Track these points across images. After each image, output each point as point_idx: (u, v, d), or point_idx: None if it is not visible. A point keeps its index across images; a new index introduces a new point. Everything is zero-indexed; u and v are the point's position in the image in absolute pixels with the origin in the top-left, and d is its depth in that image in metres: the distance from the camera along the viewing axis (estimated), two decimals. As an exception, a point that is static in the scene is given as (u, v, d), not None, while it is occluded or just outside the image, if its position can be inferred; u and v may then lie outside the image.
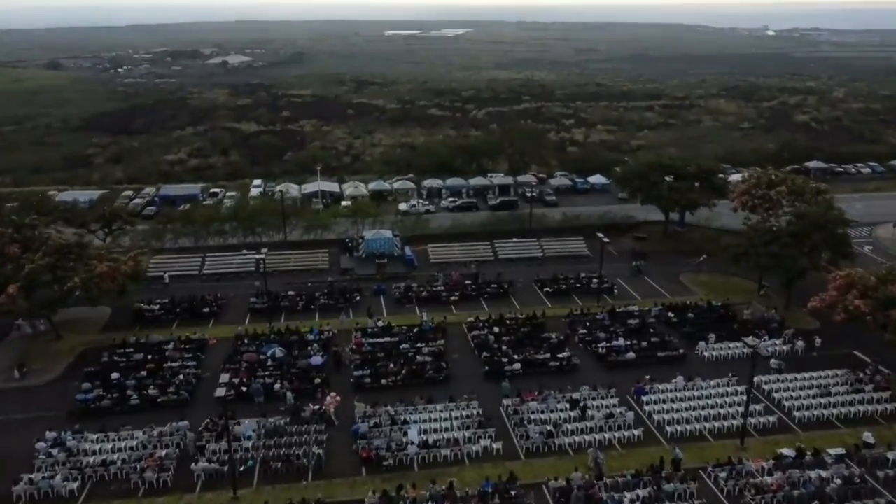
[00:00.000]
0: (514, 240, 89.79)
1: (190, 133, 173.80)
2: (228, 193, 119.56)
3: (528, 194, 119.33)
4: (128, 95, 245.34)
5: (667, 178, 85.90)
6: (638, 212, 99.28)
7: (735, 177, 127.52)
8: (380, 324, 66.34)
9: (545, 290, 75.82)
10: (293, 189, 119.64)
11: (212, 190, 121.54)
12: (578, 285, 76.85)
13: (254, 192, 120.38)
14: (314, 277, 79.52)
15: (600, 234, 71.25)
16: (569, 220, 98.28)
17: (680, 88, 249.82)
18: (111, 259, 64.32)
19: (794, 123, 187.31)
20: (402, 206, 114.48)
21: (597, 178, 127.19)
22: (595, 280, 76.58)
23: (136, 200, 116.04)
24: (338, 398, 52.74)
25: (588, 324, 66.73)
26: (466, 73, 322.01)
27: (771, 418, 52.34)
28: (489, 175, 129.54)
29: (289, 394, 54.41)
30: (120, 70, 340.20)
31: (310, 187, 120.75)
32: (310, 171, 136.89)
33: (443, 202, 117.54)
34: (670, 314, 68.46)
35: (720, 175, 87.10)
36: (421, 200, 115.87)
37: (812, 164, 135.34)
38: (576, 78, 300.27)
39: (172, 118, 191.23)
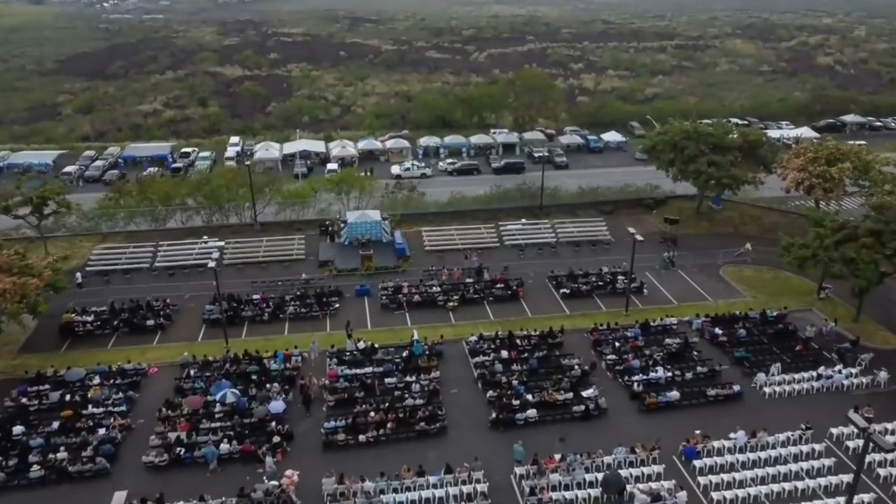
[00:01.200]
0: (523, 221, 74.95)
1: (169, 78, 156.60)
2: (201, 154, 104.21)
3: (536, 155, 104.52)
4: (110, 34, 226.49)
5: (703, 149, 70.98)
6: (662, 180, 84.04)
7: (773, 133, 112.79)
8: (360, 345, 52.29)
9: (562, 290, 61.52)
10: (273, 149, 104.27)
11: (183, 150, 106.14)
12: (601, 283, 62.62)
13: (230, 151, 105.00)
14: (287, 273, 65.11)
15: (632, 230, 56.40)
16: (584, 193, 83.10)
17: (692, 27, 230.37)
18: (20, 268, 49.57)
19: (818, 67, 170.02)
20: (395, 170, 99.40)
21: (611, 136, 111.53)
22: (622, 278, 62.55)
23: (98, 163, 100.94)
24: (295, 478, 39.08)
25: (617, 344, 52.71)
26: (467, 7, 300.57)
27: (865, 498, 38.87)
28: (492, 131, 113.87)
29: (269, 458, 41.03)
30: (106, 5, 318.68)
31: (292, 146, 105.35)
32: (294, 124, 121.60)
33: (440, 164, 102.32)
34: (717, 331, 54.30)
35: (766, 145, 71.28)
36: (416, 163, 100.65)
37: (848, 118, 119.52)
38: (581, 14, 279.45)
39: (153, 61, 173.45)
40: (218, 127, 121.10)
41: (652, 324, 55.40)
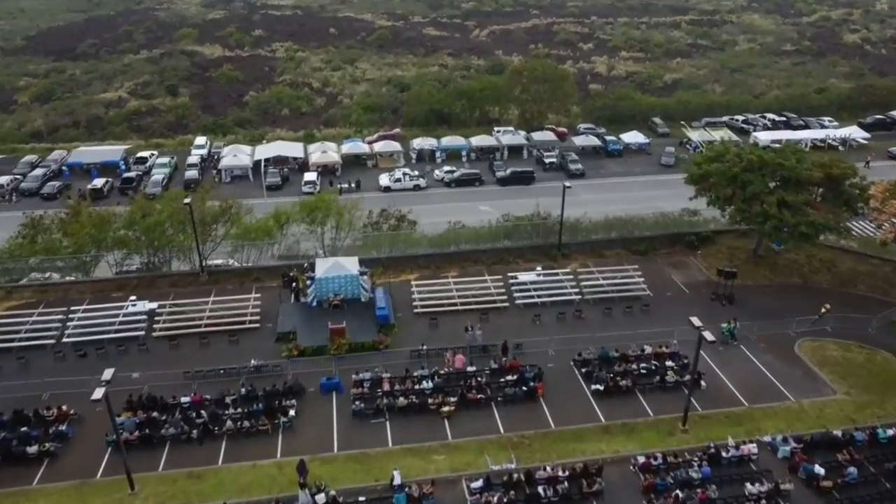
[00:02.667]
0: (538, 270, 57.52)
1: (143, 58, 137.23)
2: (159, 160, 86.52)
3: (547, 161, 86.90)
4: (91, 5, 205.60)
5: (770, 183, 53.52)
6: (701, 204, 66.55)
7: (816, 133, 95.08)
8: (319, 500, 35.61)
9: (593, 385, 44.70)
10: (243, 153, 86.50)
11: (139, 154, 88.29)
12: (644, 371, 45.90)
13: (193, 156, 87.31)
14: (233, 354, 47.94)
15: (694, 321, 39.23)
16: (611, 224, 65.56)
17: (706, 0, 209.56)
18: None
19: (845, 46, 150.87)
20: (384, 180, 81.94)
21: (632, 137, 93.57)
22: (671, 364, 45.88)
23: (38, 171, 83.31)
24: None
25: (680, 495, 36.06)
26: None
27: None
28: (495, 130, 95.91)
29: None
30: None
31: (265, 151, 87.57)
32: (273, 118, 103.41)
33: (436, 173, 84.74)
34: (818, 469, 37.52)
35: (852, 179, 53.04)
36: (408, 172, 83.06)
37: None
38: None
39: (128, 38, 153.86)
40: (186, 121, 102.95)
41: (724, 454, 38.71)
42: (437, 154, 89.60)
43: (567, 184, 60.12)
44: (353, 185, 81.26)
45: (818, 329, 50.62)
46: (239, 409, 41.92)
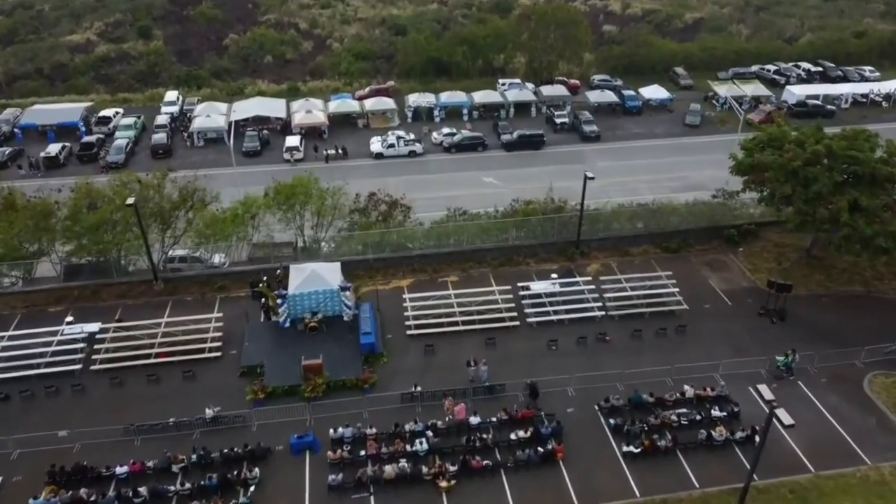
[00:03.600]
0: (554, 279, 47.67)
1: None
2: (124, 121, 75.60)
3: (558, 121, 76.14)
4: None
5: (838, 178, 43.19)
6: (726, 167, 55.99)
7: (859, 88, 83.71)
8: None
9: (625, 447, 35.69)
10: (217, 112, 75.63)
11: (102, 113, 77.21)
12: (685, 422, 36.95)
13: (162, 115, 76.42)
14: (187, 394, 38.98)
15: (763, 391, 29.89)
16: (635, 213, 55.15)
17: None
18: None
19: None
20: (376, 145, 71.49)
21: (653, 92, 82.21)
22: (717, 413, 36.95)
23: (-14, 134, 72.85)
24: None
25: None
26: None
27: None
28: (500, 83, 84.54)
29: None
30: None
31: (243, 108, 76.65)
32: (254, 68, 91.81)
33: (434, 136, 74.10)
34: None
35: None
36: (402, 136, 72.41)
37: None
38: None
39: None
40: (158, 70, 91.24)
41: (797, 561, 30.14)
42: (436, 112, 78.63)
43: (589, 174, 49.00)
44: (340, 151, 70.72)
45: (891, 357, 41.52)
46: (188, 485, 33.08)
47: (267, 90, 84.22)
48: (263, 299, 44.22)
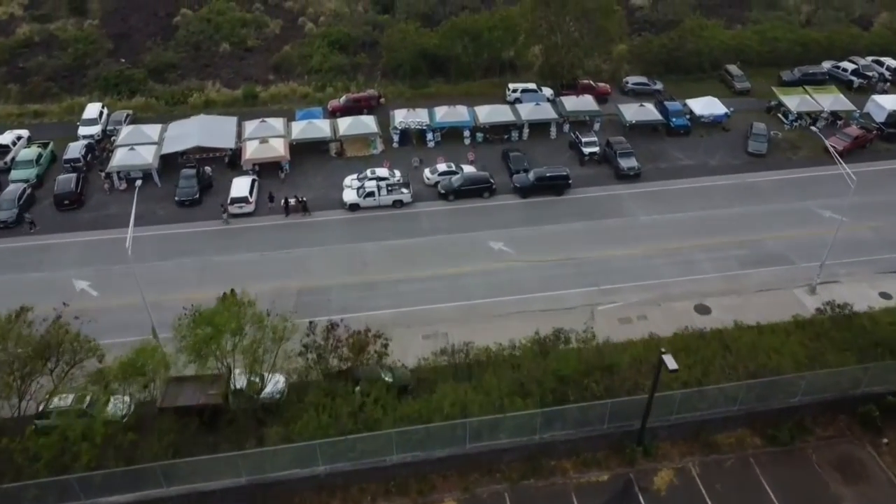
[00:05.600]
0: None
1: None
2: (25, 152, 55.56)
3: (587, 152, 56.71)
4: None
5: None
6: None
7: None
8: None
9: None
10: (146, 142, 55.71)
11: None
12: None
13: (75, 145, 56.54)
14: None
15: None
16: (720, 391, 35.68)
17: None
18: None
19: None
20: (349, 193, 52.37)
21: (705, 105, 61.89)
22: None
23: None
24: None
25: None
26: None
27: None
28: (510, 90, 64.29)
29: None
30: None
31: (180, 134, 56.71)
32: (206, 61, 71.16)
33: (427, 174, 54.78)
34: None
35: None
36: (385, 177, 53.07)
37: None
38: None
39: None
40: (88, 63, 70.21)
41: None
42: (430, 137, 58.75)
43: (670, 363, 29.32)
44: (300, 200, 51.41)
45: None
46: None
47: (218, 99, 63.76)
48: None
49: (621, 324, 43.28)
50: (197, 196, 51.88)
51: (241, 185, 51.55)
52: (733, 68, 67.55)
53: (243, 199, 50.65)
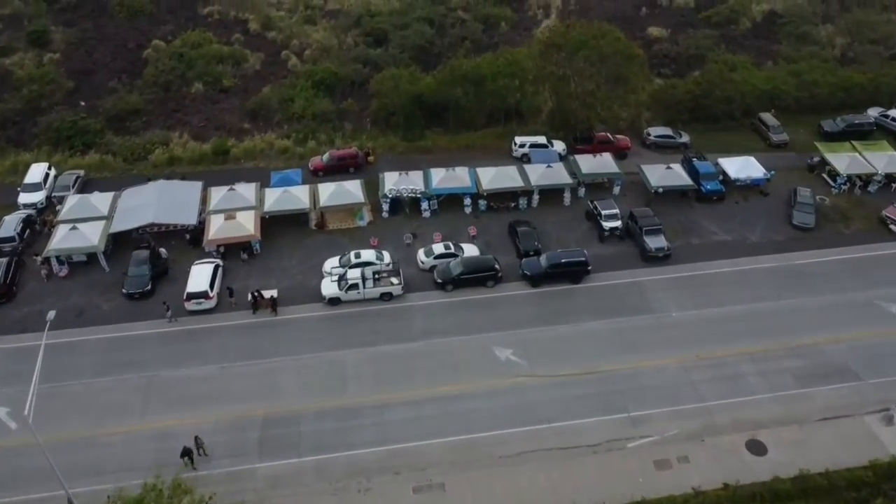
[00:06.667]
0: None
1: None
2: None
3: (607, 227, 47.31)
4: None
5: None
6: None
7: None
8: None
9: None
10: (93, 216, 46.36)
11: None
12: None
13: (12, 217, 47.20)
14: None
15: None
16: None
17: None
18: None
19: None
20: (329, 286, 43.15)
21: (741, 167, 52.17)
22: None
23: None
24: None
25: None
26: None
27: None
28: (516, 145, 54.87)
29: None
30: None
31: (133, 208, 47.26)
32: (175, 105, 61.76)
33: (422, 256, 45.51)
34: None
35: None
36: (371, 261, 43.91)
37: None
38: None
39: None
40: (43, 103, 60.58)
41: None
42: (424, 205, 49.37)
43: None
44: (269, 298, 42.10)
45: None
46: None
47: (184, 155, 54.22)
48: None
49: (658, 469, 34.43)
50: (149, 287, 42.59)
51: (200, 276, 42.26)
52: (768, 117, 58.05)
53: (202, 295, 41.36)
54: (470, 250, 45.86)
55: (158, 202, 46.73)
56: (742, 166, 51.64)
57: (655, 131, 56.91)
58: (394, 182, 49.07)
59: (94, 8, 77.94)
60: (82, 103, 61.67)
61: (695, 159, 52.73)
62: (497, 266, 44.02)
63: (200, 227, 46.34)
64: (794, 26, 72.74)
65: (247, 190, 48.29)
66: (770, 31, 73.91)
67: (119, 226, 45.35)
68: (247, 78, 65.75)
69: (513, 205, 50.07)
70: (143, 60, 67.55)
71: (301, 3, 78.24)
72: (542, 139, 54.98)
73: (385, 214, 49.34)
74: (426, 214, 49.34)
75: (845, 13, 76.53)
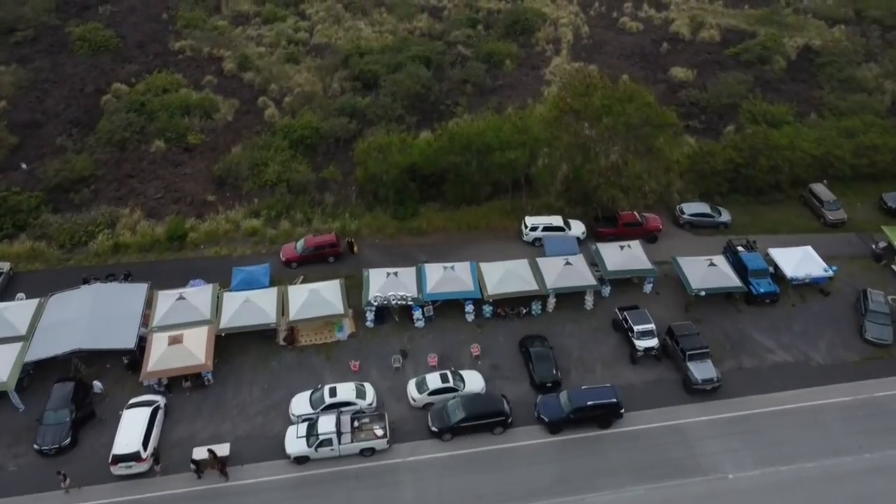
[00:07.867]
0: None
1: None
2: None
3: (641, 347, 36.88)
4: None
5: None
6: None
7: None
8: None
9: None
10: (8, 335, 36.06)
11: None
12: None
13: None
14: None
15: None
16: None
17: None
18: None
19: None
20: (294, 443, 32.44)
21: (801, 264, 41.45)
22: None
23: None
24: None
25: None
26: None
27: None
28: (527, 226, 44.43)
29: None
30: None
31: (56, 325, 36.82)
32: (130, 170, 51.66)
33: (414, 394, 35.15)
34: None
35: None
36: (351, 404, 33.73)
37: None
38: None
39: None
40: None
41: None
42: (417, 313, 39.16)
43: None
44: (217, 458, 31.99)
45: None
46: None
47: (132, 242, 43.95)
48: None
49: None
50: (68, 441, 32.49)
51: (132, 429, 32.09)
52: (822, 189, 47.74)
53: (133, 457, 31.23)
54: (472, 379, 35.76)
55: (90, 317, 36.51)
56: (800, 261, 41.31)
57: (690, 208, 46.57)
58: (380, 286, 38.83)
59: (54, 42, 67.29)
60: (23, 166, 51.29)
61: (740, 248, 42.51)
62: (506, 409, 33.91)
63: (142, 346, 36.20)
64: (836, 67, 62.19)
65: (201, 297, 38.09)
66: (808, 71, 63.40)
67: (37, 352, 35.18)
68: (216, 132, 55.20)
69: (524, 310, 39.91)
70: (101, 109, 57.07)
71: (283, 38, 67.58)
72: (557, 220, 44.70)
73: (370, 323, 39.18)
74: (419, 324, 39.17)
75: (889, 48, 66.16)
